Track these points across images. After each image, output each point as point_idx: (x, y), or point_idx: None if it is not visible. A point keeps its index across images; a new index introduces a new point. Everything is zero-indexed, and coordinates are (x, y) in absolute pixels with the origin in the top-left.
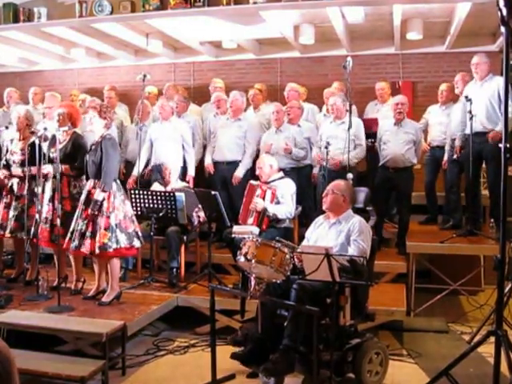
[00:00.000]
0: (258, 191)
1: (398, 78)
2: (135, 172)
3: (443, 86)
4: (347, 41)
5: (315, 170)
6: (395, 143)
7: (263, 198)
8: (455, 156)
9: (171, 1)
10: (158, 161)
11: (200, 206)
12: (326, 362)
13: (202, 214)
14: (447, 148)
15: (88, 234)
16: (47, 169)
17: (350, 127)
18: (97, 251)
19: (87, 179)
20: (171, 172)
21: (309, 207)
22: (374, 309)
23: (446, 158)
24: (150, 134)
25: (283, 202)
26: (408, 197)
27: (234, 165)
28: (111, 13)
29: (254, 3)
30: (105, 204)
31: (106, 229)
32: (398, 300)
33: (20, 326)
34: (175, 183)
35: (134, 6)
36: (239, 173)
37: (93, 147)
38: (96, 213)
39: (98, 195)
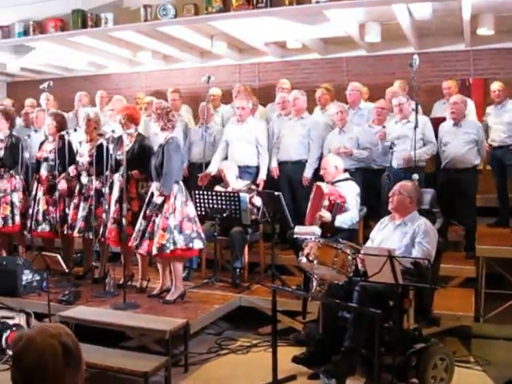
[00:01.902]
0: (326, 202)
1: (468, 75)
2: (211, 171)
3: (496, 85)
4: (414, 38)
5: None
6: (455, 144)
7: (331, 211)
8: None
9: (234, 2)
10: (232, 161)
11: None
12: (388, 365)
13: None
14: None
15: (147, 234)
16: (116, 179)
17: (416, 126)
18: (154, 252)
19: (152, 181)
20: (228, 173)
21: (374, 209)
22: (440, 313)
23: None
24: (227, 134)
25: (348, 207)
26: (471, 199)
27: (300, 164)
28: (175, 16)
29: (317, 2)
30: (165, 205)
31: (164, 229)
32: (465, 305)
33: (87, 322)
34: (236, 183)
35: (197, 9)
36: (308, 173)
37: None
38: (154, 214)
39: (157, 198)
